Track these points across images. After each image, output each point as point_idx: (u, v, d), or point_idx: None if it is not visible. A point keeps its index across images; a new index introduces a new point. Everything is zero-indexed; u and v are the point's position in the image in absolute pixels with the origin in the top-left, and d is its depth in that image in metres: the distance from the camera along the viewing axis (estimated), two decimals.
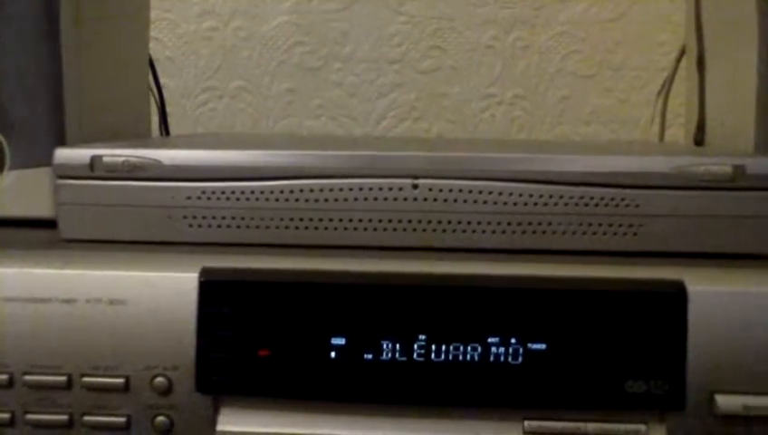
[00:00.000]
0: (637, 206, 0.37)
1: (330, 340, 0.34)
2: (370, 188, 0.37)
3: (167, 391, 0.34)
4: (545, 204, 0.37)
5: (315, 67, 0.86)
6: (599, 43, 0.84)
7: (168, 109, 0.71)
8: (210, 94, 0.87)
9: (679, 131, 0.77)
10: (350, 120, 0.86)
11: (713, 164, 0.37)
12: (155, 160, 0.38)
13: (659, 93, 0.67)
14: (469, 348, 0.34)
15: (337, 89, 0.86)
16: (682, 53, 0.61)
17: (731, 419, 0.33)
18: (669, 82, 0.64)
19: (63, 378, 0.34)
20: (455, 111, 0.85)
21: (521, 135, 0.85)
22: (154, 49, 0.64)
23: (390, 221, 0.38)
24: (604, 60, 0.84)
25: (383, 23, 0.85)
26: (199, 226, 0.38)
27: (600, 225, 0.37)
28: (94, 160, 0.38)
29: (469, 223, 0.37)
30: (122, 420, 0.34)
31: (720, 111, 0.52)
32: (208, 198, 0.38)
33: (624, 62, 0.84)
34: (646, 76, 0.84)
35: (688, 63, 0.58)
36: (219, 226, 0.38)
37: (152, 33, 0.63)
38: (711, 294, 0.33)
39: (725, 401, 0.33)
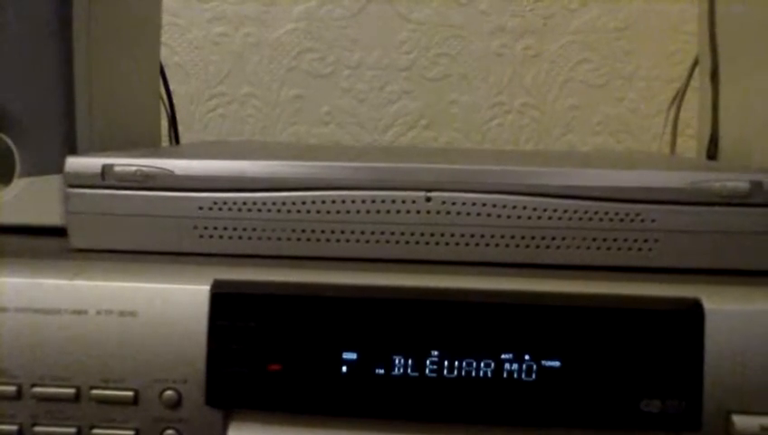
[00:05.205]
0: (652, 221, 0.36)
1: (341, 354, 0.34)
2: (383, 201, 0.37)
3: (176, 404, 0.34)
4: (560, 218, 0.37)
5: (324, 74, 0.85)
6: (608, 52, 0.84)
7: (177, 114, 0.70)
8: (219, 100, 0.87)
9: (687, 142, 0.77)
10: (358, 127, 0.86)
11: (729, 180, 0.36)
12: (167, 170, 0.38)
13: (671, 105, 0.67)
14: (482, 364, 0.33)
15: (346, 96, 0.86)
16: (695, 64, 0.61)
17: None
18: (681, 93, 0.64)
19: (72, 390, 0.34)
20: (463, 119, 0.85)
21: (529, 144, 0.85)
22: (163, 54, 0.63)
23: (403, 234, 0.37)
24: (614, 69, 0.84)
25: (392, 30, 0.85)
26: (211, 236, 0.38)
27: (615, 240, 0.37)
28: (106, 169, 0.38)
29: (482, 237, 0.37)
30: (131, 433, 0.34)
31: (734, 124, 0.51)
32: (220, 209, 0.37)
33: (634, 72, 0.84)
34: (656, 86, 0.83)
35: (701, 75, 0.58)
36: (231, 237, 0.38)
37: (162, 39, 0.63)
38: (728, 312, 0.33)
39: (742, 422, 0.32)
